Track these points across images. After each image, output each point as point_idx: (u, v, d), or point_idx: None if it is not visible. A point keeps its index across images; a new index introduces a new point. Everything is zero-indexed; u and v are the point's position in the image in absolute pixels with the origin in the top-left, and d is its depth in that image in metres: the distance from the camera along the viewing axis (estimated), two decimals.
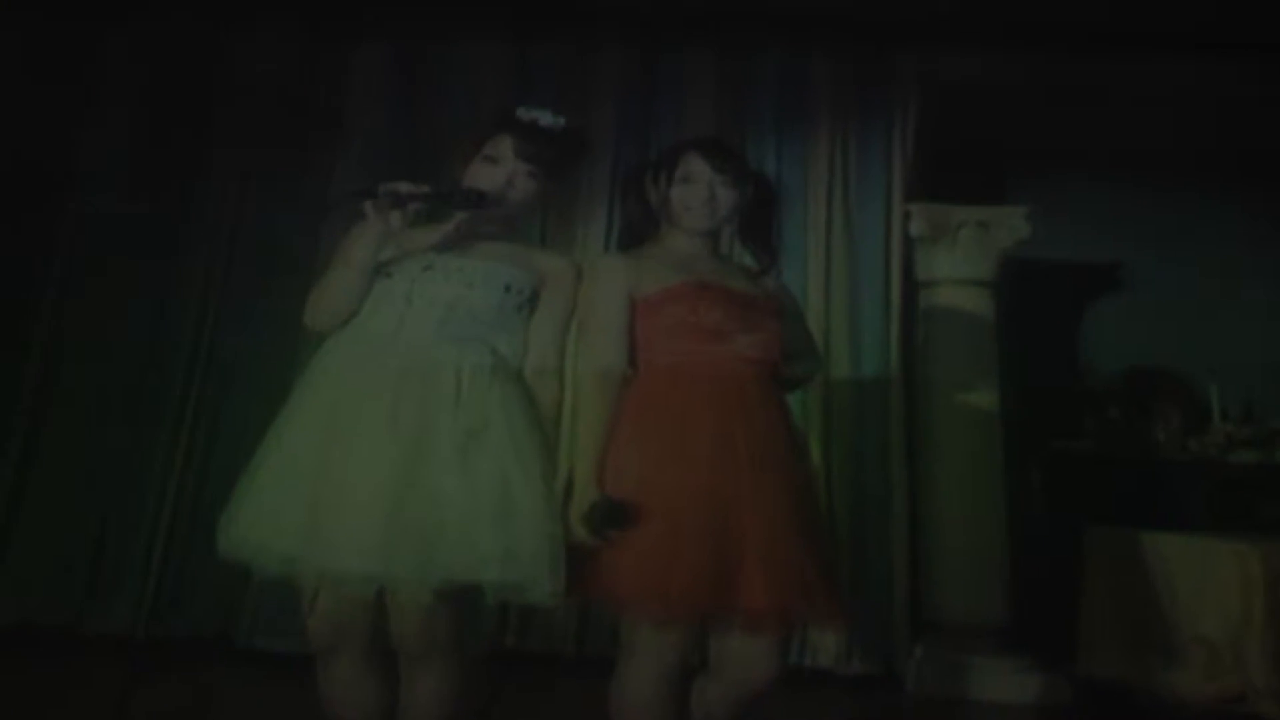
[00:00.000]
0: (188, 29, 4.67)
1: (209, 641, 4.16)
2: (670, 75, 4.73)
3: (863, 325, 4.54)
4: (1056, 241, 4.76)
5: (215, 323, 4.45)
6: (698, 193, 2.38)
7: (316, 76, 4.71)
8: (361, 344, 2.23)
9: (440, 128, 4.38)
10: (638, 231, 2.49)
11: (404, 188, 2.20)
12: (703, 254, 2.44)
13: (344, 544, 2.02)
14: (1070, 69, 4.64)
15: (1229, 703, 3.57)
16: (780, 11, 4.57)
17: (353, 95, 4.70)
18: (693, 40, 4.70)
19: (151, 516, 4.25)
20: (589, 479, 2.18)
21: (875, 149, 4.69)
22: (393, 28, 4.72)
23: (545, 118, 2.38)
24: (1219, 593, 3.66)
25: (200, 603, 4.21)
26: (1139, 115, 4.91)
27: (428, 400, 2.14)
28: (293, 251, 4.25)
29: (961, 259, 4.49)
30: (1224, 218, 5.36)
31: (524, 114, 2.38)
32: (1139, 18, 4.40)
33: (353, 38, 4.74)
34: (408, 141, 4.49)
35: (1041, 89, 4.77)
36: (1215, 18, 4.31)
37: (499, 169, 2.32)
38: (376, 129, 4.60)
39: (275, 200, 4.52)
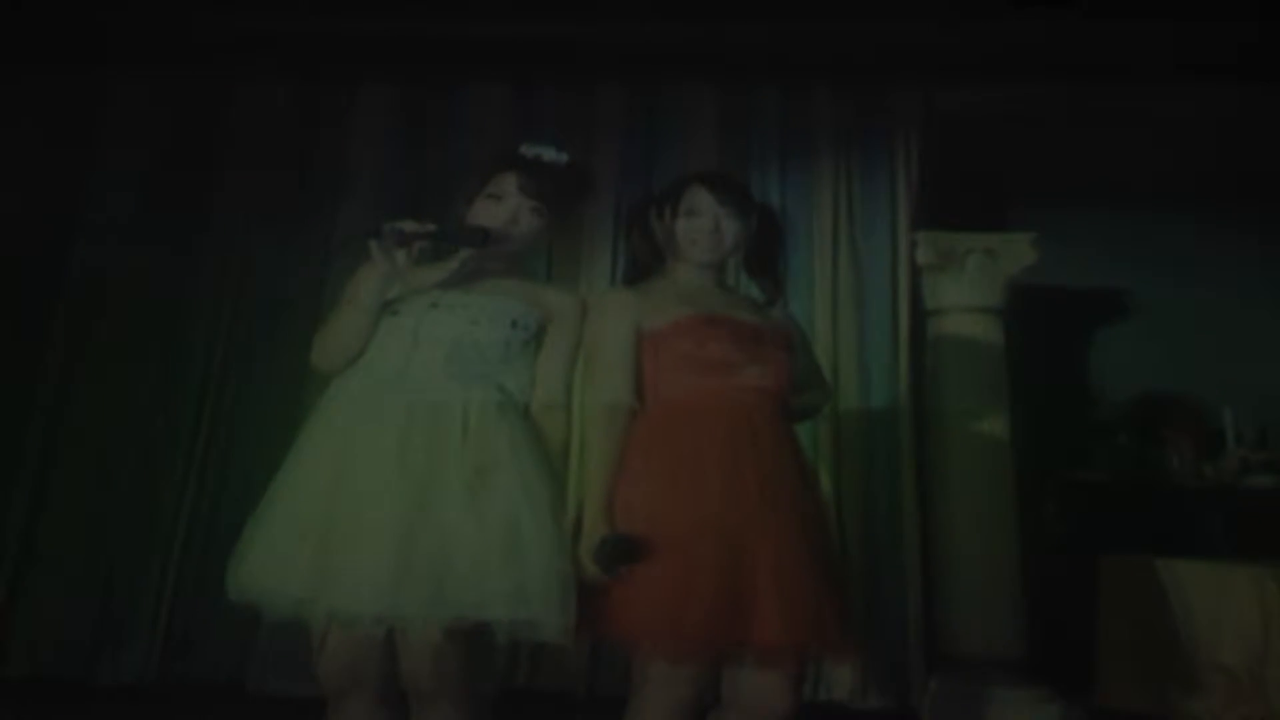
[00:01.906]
0: (190, 75, 4.69)
1: (221, 686, 4.12)
2: (671, 110, 4.73)
3: (871, 355, 4.51)
4: (1064, 268, 4.73)
5: (223, 366, 4.42)
6: (703, 225, 2.39)
7: (319, 120, 4.73)
8: (369, 383, 2.23)
9: (443, 167, 4.39)
10: (643, 265, 2.50)
11: (409, 226, 2.21)
12: (709, 286, 2.44)
13: (354, 584, 2.01)
14: (1073, 97, 4.65)
15: None
16: (780, 45, 4.58)
17: (356, 138, 4.70)
18: (693, 75, 4.71)
19: (160, 562, 4.22)
20: (598, 515, 2.16)
21: (879, 178, 4.68)
22: (394, 70, 4.73)
23: (549, 154, 2.39)
24: (1238, 620, 3.62)
25: (211, 647, 4.16)
26: (1143, 141, 4.91)
27: (436, 438, 2.14)
28: (299, 293, 4.27)
29: (969, 287, 4.45)
30: (1232, 241, 5.32)
31: (527, 151, 2.39)
32: (1138, 47, 4.41)
33: (354, 81, 4.76)
34: (411, 182, 4.51)
35: (1044, 117, 4.78)
36: (1215, 45, 4.32)
37: (503, 206, 2.33)
38: (380, 170, 4.61)
39: (280, 243, 4.54)
